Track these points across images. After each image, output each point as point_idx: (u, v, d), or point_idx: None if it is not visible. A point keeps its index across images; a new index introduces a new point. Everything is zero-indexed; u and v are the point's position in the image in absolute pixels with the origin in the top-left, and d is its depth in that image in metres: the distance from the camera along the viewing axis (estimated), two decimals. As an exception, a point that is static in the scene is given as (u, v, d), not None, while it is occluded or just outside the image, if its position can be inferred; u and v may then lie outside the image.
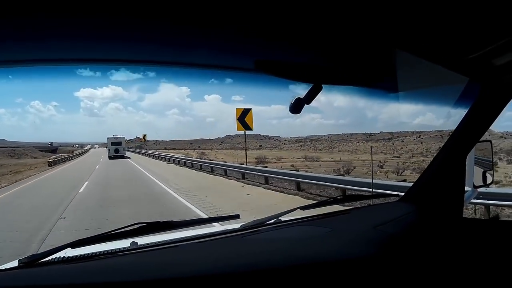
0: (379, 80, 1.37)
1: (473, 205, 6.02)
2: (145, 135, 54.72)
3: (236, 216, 1.26)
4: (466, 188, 1.51)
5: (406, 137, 70.94)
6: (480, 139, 1.53)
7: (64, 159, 32.57)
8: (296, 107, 0.92)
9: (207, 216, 4.52)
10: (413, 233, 1.21)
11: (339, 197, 1.43)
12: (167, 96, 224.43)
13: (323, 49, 0.89)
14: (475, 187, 1.48)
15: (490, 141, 1.56)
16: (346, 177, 10.64)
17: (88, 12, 0.60)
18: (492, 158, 1.56)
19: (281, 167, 22.08)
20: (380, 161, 38.60)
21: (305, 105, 0.95)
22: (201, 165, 17.85)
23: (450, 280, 1.05)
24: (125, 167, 21.16)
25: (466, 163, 1.46)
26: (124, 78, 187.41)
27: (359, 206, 1.58)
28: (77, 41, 0.74)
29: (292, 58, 0.94)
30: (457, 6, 0.68)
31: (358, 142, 72.34)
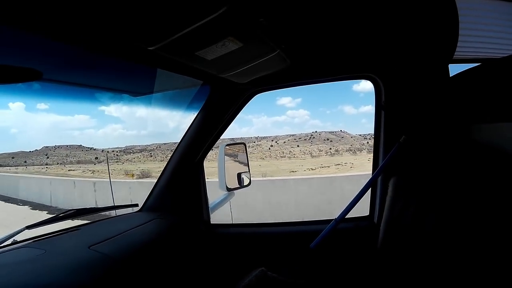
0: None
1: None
2: None
3: None
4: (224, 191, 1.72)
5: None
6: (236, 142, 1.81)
7: None
8: None
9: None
10: (149, 242, 1.27)
11: (69, 212, 1.39)
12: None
13: None
14: (229, 189, 1.67)
15: (243, 143, 1.79)
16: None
17: None
18: (248, 160, 1.79)
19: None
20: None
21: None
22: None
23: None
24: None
25: (218, 166, 1.67)
26: None
27: (102, 218, 1.56)
28: None
29: None
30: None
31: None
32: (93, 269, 1.01)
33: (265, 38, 1.04)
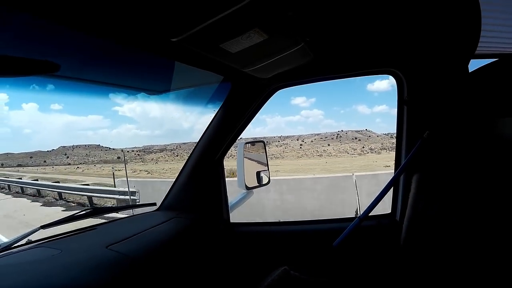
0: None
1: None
2: None
3: None
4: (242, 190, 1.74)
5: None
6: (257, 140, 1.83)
7: None
8: None
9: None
10: (168, 241, 1.28)
11: (85, 211, 1.39)
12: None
13: None
14: (248, 188, 1.69)
15: (262, 141, 1.81)
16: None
17: None
18: (267, 158, 1.81)
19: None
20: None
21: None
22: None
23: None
24: None
25: (237, 165, 1.70)
26: None
27: (119, 218, 1.60)
28: None
29: None
30: None
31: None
32: (112, 269, 1.01)
33: (291, 30, 1.03)
